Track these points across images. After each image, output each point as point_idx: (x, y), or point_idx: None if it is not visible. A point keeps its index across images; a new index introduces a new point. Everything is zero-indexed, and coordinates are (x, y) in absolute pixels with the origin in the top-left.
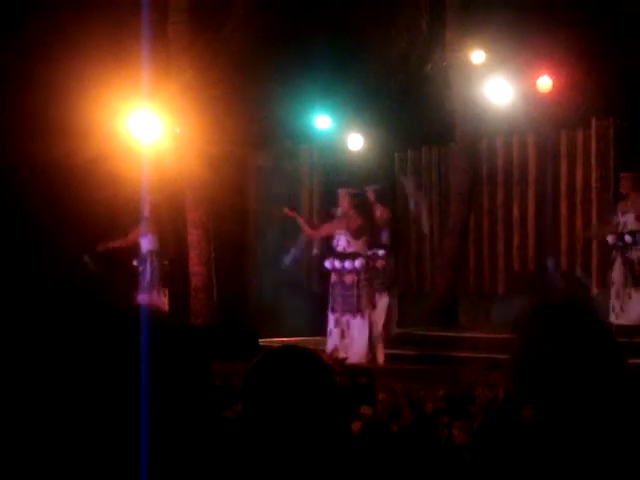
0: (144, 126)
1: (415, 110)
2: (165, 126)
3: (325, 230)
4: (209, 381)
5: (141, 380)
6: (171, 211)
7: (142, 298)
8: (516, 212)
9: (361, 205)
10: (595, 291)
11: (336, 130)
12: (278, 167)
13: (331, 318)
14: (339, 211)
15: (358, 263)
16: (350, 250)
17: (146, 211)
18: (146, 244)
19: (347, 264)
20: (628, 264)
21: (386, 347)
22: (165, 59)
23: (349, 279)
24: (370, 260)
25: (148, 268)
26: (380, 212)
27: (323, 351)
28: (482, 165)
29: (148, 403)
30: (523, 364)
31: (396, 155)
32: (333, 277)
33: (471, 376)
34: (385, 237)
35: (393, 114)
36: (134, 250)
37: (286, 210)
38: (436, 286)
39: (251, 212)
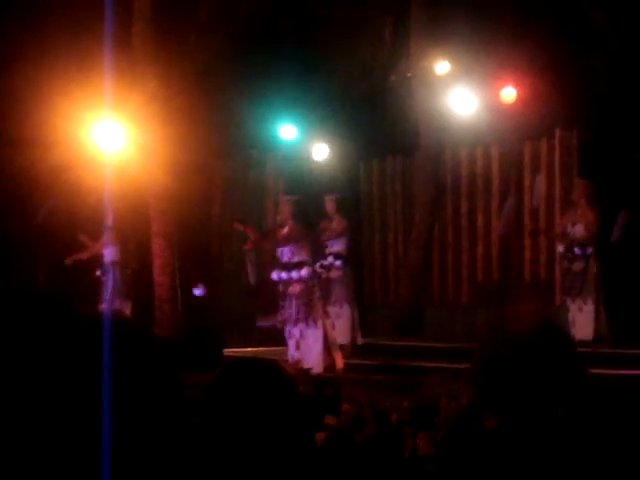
0: (108, 136)
1: (380, 120)
2: (129, 136)
3: (270, 244)
4: (180, 389)
5: (107, 388)
6: (135, 221)
7: (105, 308)
8: (480, 222)
9: (300, 213)
10: (559, 302)
11: (301, 140)
12: (243, 176)
13: (285, 330)
14: (278, 219)
15: (305, 272)
16: (295, 260)
17: (109, 221)
18: (109, 255)
19: (294, 274)
20: (572, 275)
21: (350, 357)
22: (129, 69)
23: (297, 289)
24: (323, 269)
25: (111, 279)
26: (337, 221)
27: (286, 361)
28: (446, 175)
29: (116, 411)
30: (486, 374)
31: (361, 165)
32: (281, 288)
33: (435, 386)
34: (342, 247)
35: (358, 124)
36: (98, 260)
37: (236, 224)
38: (400, 296)
39: (216, 221)
